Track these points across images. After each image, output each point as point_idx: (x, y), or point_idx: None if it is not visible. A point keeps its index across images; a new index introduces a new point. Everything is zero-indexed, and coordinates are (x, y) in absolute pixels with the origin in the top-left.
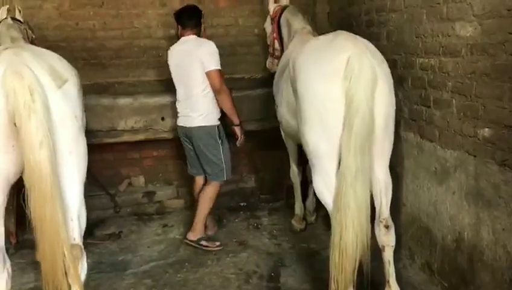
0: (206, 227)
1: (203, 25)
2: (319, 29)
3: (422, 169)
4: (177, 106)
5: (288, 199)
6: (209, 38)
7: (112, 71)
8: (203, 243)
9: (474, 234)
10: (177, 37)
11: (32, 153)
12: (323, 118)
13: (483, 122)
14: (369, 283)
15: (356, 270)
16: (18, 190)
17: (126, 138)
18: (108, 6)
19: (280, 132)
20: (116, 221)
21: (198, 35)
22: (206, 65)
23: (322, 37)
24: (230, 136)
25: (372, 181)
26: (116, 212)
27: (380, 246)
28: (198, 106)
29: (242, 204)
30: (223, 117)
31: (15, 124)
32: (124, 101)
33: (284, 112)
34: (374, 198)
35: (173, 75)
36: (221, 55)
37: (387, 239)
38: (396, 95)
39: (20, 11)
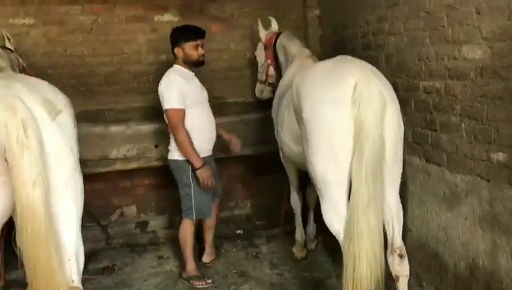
0: (203, 254)
1: (179, 48)
2: (312, 52)
3: (429, 194)
4: None
5: (286, 225)
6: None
7: (101, 98)
8: (193, 282)
9: (491, 261)
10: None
11: (25, 192)
12: (332, 145)
13: (496, 146)
14: None
15: None
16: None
17: (119, 166)
18: (98, 32)
19: (276, 157)
20: (109, 253)
21: (177, 61)
22: (162, 103)
23: (325, 62)
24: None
25: (383, 208)
26: (108, 244)
27: (394, 276)
28: (172, 139)
29: (238, 232)
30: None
31: (6, 159)
32: (116, 128)
33: (286, 139)
34: (386, 226)
35: None
36: (213, 79)
37: (402, 269)
38: None
39: (9, 39)
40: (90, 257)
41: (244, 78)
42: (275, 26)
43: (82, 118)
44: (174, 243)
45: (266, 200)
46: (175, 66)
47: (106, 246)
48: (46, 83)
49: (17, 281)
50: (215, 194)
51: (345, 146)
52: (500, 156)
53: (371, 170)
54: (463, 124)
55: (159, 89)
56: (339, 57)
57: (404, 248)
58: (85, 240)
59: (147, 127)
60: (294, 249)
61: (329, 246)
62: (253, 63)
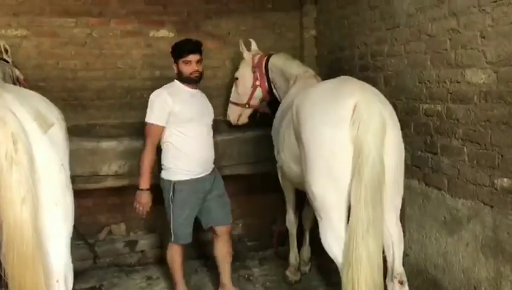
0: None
1: (175, 64)
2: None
3: (428, 218)
4: None
5: (278, 248)
6: None
7: (93, 113)
8: None
9: (494, 288)
10: None
11: (13, 210)
12: (331, 167)
13: (501, 171)
14: None
15: None
16: None
17: (109, 183)
18: (91, 46)
19: (270, 176)
20: (96, 273)
21: (176, 77)
22: None
23: (327, 82)
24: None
25: (384, 234)
26: (96, 263)
27: None
28: (161, 158)
29: None
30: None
31: None
32: (107, 144)
33: (286, 158)
34: (386, 252)
35: None
36: (208, 96)
37: None
38: None
39: (7, 51)
40: (76, 276)
41: None
42: (254, 47)
43: (73, 132)
44: (164, 263)
45: (258, 220)
46: (174, 81)
47: (93, 265)
48: (38, 94)
49: None
50: (215, 220)
51: (345, 168)
52: (504, 182)
53: (371, 194)
54: (465, 148)
55: None
56: (341, 78)
57: (404, 274)
58: (71, 258)
59: (140, 144)
60: (287, 272)
61: (324, 270)
62: None
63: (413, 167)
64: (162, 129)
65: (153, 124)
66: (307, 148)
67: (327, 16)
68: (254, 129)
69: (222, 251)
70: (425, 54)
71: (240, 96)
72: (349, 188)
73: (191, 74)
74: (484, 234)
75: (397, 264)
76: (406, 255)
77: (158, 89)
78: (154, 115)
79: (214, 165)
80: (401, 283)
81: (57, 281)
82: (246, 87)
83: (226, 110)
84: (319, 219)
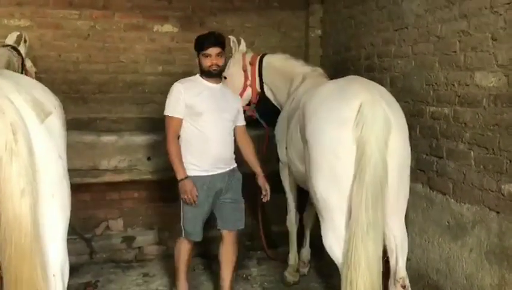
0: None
1: (197, 58)
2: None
3: (431, 222)
4: None
5: (269, 250)
6: None
7: (94, 106)
8: None
9: None
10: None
11: (12, 202)
12: (334, 168)
13: (508, 177)
14: None
15: None
16: None
17: (108, 178)
18: (94, 39)
19: (270, 176)
20: (92, 268)
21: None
22: None
23: (334, 81)
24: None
25: (387, 237)
26: (92, 258)
27: None
28: None
29: None
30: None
31: None
32: (108, 138)
33: (293, 157)
34: (389, 255)
35: None
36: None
37: None
38: None
39: (25, 41)
40: (72, 271)
41: None
42: (243, 46)
43: (73, 125)
44: (161, 260)
45: (257, 220)
46: (197, 75)
47: (89, 260)
48: (35, 81)
49: None
50: (223, 223)
51: (347, 169)
52: None
53: (372, 196)
54: (472, 152)
55: None
56: (350, 77)
57: (407, 279)
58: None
59: (141, 139)
60: (286, 273)
61: (323, 272)
62: None
63: (418, 171)
64: (178, 121)
65: (168, 115)
66: (311, 148)
67: (333, 16)
68: (253, 128)
69: (226, 256)
70: (434, 56)
71: None
72: (351, 189)
73: (209, 66)
74: (489, 240)
75: (400, 269)
76: (407, 259)
77: (176, 82)
78: (169, 107)
79: (233, 167)
80: (403, 287)
81: (54, 275)
82: (236, 87)
83: None
84: (321, 219)
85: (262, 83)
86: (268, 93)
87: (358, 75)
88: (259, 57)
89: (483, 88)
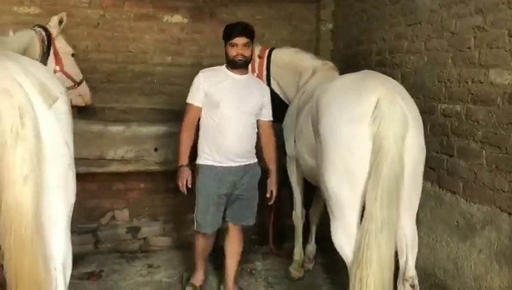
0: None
1: (226, 47)
2: None
3: (440, 221)
4: None
5: (274, 245)
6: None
7: (102, 96)
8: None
9: None
10: None
11: (14, 190)
12: (348, 164)
13: None
14: None
15: None
16: None
17: (115, 168)
18: (104, 28)
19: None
20: (97, 258)
21: None
22: None
23: (349, 75)
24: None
25: (398, 235)
26: (96, 248)
27: None
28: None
29: None
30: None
31: None
32: (115, 128)
33: (302, 150)
34: (399, 254)
35: None
36: None
37: None
38: None
39: (61, 22)
40: (76, 260)
41: None
42: None
43: (80, 114)
44: (166, 251)
45: (263, 214)
46: (224, 65)
47: (94, 249)
48: (41, 64)
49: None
50: (230, 215)
51: (362, 165)
52: None
53: (387, 193)
54: (484, 151)
55: None
56: (365, 71)
57: (416, 278)
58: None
59: (148, 129)
60: (291, 268)
61: (328, 268)
62: None
63: (427, 169)
64: (196, 109)
65: (188, 103)
66: (324, 143)
67: (345, 9)
68: None
69: (231, 248)
70: (447, 52)
71: None
72: (365, 186)
73: (234, 56)
74: (500, 241)
75: (410, 268)
76: None
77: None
78: (190, 95)
79: (250, 162)
80: (412, 286)
81: (55, 268)
82: None
83: None
84: (331, 216)
85: (269, 76)
86: (275, 87)
87: (369, 70)
88: (267, 51)
89: (498, 86)
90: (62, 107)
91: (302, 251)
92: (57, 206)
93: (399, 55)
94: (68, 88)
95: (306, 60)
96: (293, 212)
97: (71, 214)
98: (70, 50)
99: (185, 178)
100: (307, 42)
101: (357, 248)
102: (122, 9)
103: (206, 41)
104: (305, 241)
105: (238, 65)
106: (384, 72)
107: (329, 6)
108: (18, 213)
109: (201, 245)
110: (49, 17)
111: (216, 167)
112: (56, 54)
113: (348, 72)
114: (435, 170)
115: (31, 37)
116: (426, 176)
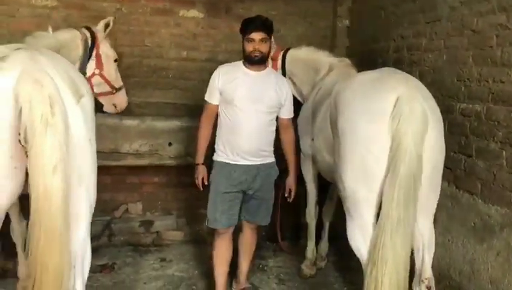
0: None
1: (243, 42)
2: None
3: (456, 222)
4: None
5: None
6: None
7: None
8: None
9: None
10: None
11: (43, 179)
12: (366, 162)
13: None
14: None
15: None
16: None
17: (129, 161)
18: (120, 22)
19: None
20: (110, 251)
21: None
22: None
23: (369, 72)
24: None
25: (415, 236)
26: (110, 241)
27: None
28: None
29: None
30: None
31: (20, 141)
32: (130, 122)
33: (321, 147)
34: (415, 254)
35: None
36: None
37: None
38: None
39: (107, 26)
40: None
41: None
42: None
43: (96, 108)
44: (179, 245)
45: (275, 210)
46: (241, 60)
47: (108, 242)
48: (69, 62)
49: (14, 271)
50: (244, 214)
51: (379, 164)
52: None
53: (404, 192)
54: (504, 152)
55: None
56: (385, 69)
57: (433, 279)
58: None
59: (163, 124)
60: (303, 266)
61: (340, 266)
62: None
63: (444, 168)
64: (213, 106)
65: (205, 100)
66: (342, 140)
67: (362, 6)
68: None
69: (245, 246)
70: (467, 51)
71: None
72: (382, 184)
73: (250, 52)
74: None
75: (426, 269)
76: None
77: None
78: (207, 92)
79: (266, 162)
80: (428, 288)
81: (74, 266)
82: None
83: None
84: (348, 215)
85: (284, 76)
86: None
87: (386, 67)
88: (282, 52)
89: None
90: (88, 105)
91: (314, 249)
92: (80, 203)
93: (417, 53)
94: (105, 93)
95: (322, 57)
96: (306, 210)
97: (92, 212)
98: (114, 55)
99: (201, 176)
100: (323, 38)
101: (372, 247)
102: (139, 3)
103: (221, 37)
104: (318, 239)
105: (254, 61)
106: (401, 70)
107: (346, 2)
108: (47, 203)
109: (217, 246)
110: (66, 10)
111: (229, 164)
112: (98, 57)
113: (364, 69)
114: (452, 170)
115: (73, 37)
116: (443, 176)
